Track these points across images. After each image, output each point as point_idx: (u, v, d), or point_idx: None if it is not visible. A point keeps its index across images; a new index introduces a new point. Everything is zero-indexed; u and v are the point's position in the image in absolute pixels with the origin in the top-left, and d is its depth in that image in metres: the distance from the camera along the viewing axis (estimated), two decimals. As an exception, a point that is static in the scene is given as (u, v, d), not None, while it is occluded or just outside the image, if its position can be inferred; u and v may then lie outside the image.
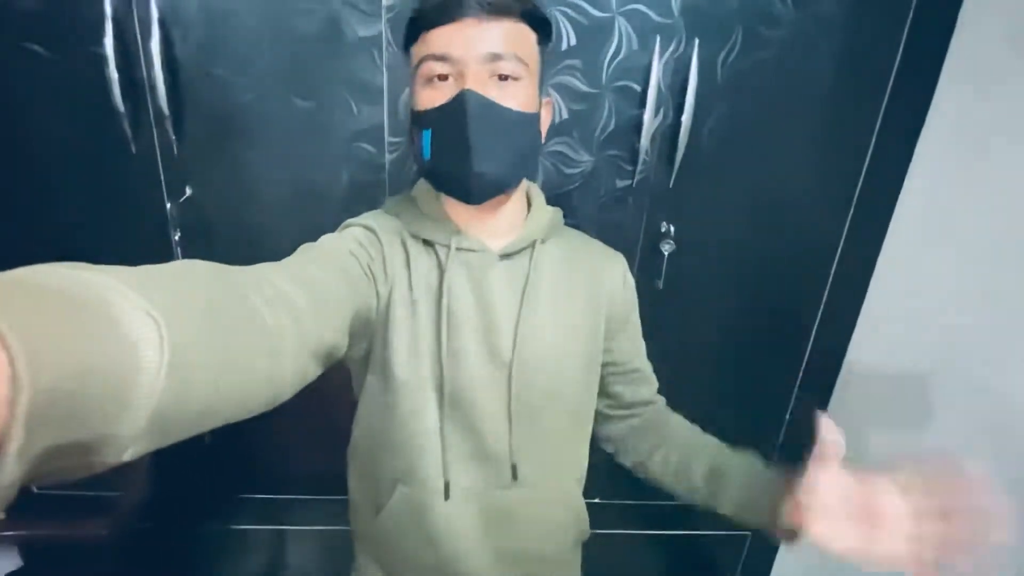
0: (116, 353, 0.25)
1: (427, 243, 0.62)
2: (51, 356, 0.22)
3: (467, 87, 0.52)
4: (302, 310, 0.42)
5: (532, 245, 0.64)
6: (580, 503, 0.74)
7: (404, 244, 0.62)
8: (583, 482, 0.74)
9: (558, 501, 0.70)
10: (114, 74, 0.84)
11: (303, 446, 1.14)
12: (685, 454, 0.70)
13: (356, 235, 0.60)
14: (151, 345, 0.27)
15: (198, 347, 0.30)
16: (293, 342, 0.40)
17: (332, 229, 0.63)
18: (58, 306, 0.24)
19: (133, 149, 0.90)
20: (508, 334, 0.62)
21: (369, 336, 0.61)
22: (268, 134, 0.92)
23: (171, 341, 0.27)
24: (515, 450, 0.64)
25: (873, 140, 0.98)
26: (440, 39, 0.53)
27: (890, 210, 1.03)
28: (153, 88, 0.86)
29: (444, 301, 0.59)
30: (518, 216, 0.66)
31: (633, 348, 0.75)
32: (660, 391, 0.79)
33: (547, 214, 0.68)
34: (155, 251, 0.95)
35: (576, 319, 0.66)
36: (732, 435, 1.17)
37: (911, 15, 0.90)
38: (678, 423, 0.75)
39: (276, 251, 0.52)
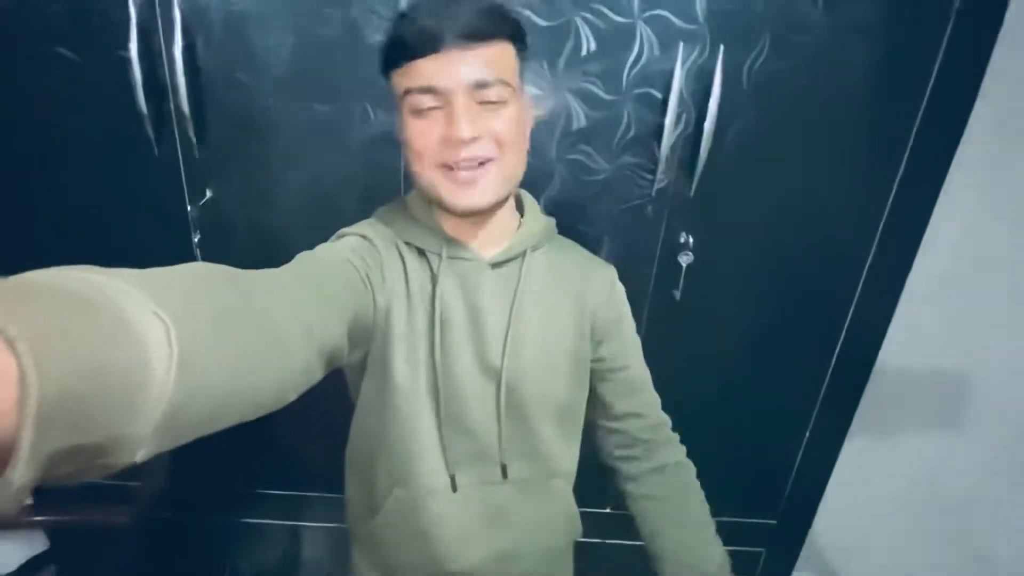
0: (125, 355, 0.25)
1: (420, 251, 0.63)
2: (59, 358, 0.22)
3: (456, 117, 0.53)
4: (309, 312, 0.43)
5: (523, 254, 0.65)
6: (570, 501, 0.75)
7: (400, 252, 0.63)
8: (572, 481, 0.74)
9: (547, 499, 0.72)
10: (138, 77, 0.85)
11: (319, 443, 1.16)
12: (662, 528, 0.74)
13: (352, 244, 0.60)
14: (160, 347, 0.27)
15: (207, 348, 0.30)
16: (300, 343, 0.40)
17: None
18: (66, 308, 0.24)
19: (156, 151, 0.91)
20: (498, 342, 0.63)
21: (366, 342, 0.62)
22: (287, 138, 0.92)
23: (180, 342, 0.28)
24: (504, 451, 0.66)
25: (908, 151, 0.93)
26: (424, 71, 0.52)
27: (923, 225, 0.98)
28: (176, 91, 0.87)
29: (437, 310, 0.61)
30: (509, 225, 0.66)
31: (623, 350, 0.73)
32: (676, 430, 0.77)
33: (540, 223, 0.68)
34: (175, 252, 0.97)
35: (564, 325, 0.67)
36: (752, 450, 1.16)
37: (952, 22, 0.86)
38: (675, 493, 0.75)
39: (294, 252, 0.53)
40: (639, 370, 0.75)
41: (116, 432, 0.25)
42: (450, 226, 0.63)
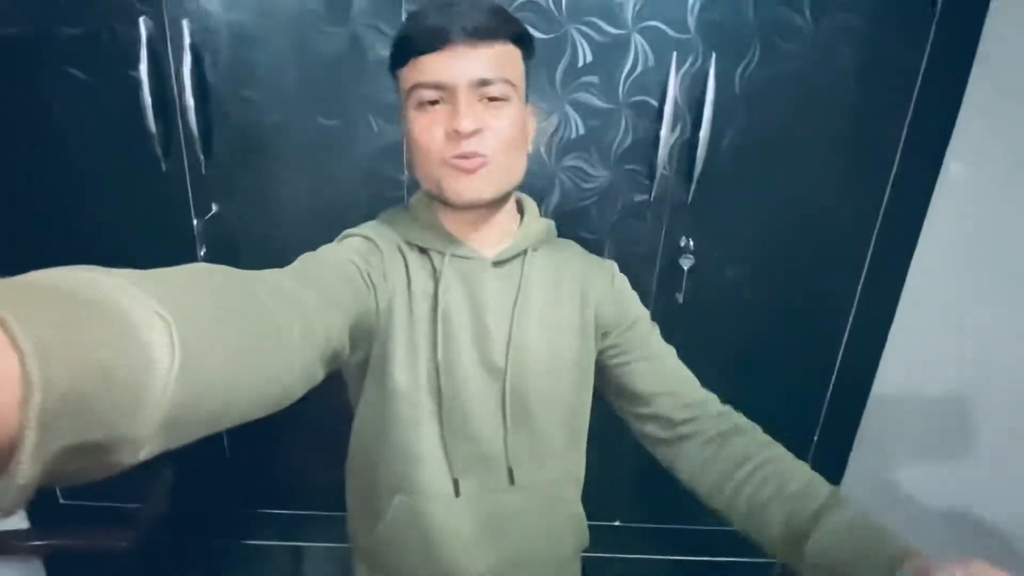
0: (128, 354, 0.25)
1: (423, 251, 0.63)
2: (63, 357, 0.22)
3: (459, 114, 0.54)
4: (310, 311, 0.43)
5: (523, 253, 0.65)
6: (578, 508, 0.73)
7: (402, 252, 0.63)
8: (580, 488, 0.73)
9: (554, 506, 0.70)
10: (148, 98, 0.88)
11: (320, 462, 1.14)
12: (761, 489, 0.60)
13: (355, 245, 0.61)
14: (162, 345, 0.27)
15: (209, 347, 0.30)
16: (301, 342, 0.40)
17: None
18: (71, 308, 0.24)
19: (163, 168, 0.93)
20: (501, 342, 0.63)
21: (368, 344, 0.61)
22: (293, 152, 0.95)
23: (182, 341, 0.28)
24: (511, 454, 0.65)
25: (899, 152, 0.96)
26: (430, 66, 0.54)
27: (919, 223, 1.00)
28: (184, 110, 0.89)
29: (439, 307, 0.61)
30: (509, 225, 0.67)
31: (636, 336, 0.70)
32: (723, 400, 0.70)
33: (540, 224, 0.69)
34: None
35: (566, 324, 0.67)
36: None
37: (935, 23, 0.89)
38: (752, 445, 0.64)
39: (298, 266, 0.53)
40: (661, 352, 0.70)
41: (119, 432, 0.25)
42: (452, 225, 0.64)
